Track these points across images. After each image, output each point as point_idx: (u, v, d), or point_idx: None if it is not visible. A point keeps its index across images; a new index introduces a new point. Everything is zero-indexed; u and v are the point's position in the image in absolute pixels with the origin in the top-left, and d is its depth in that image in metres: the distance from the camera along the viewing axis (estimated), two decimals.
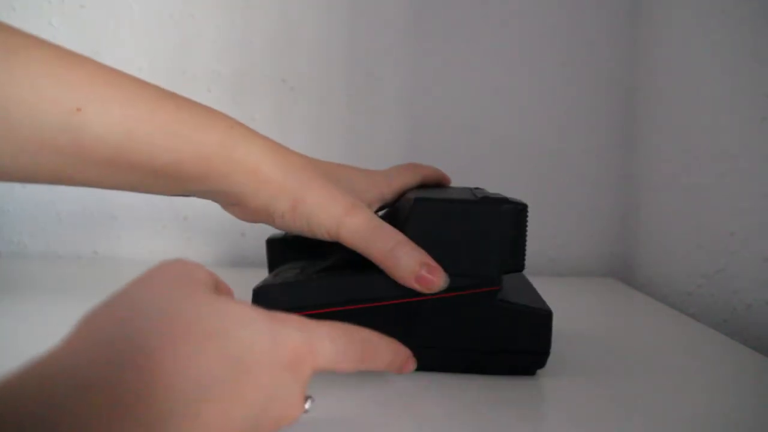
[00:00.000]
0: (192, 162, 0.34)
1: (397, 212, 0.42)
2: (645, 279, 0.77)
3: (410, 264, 0.35)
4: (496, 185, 0.84)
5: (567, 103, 0.82)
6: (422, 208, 0.38)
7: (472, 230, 0.37)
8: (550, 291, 0.75)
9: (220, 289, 0.29)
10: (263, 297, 0.37)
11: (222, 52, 0.81)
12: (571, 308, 0.64)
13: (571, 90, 0.82)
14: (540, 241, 0.82)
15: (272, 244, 0.46)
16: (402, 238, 0.36)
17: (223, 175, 0.35)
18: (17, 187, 0.81)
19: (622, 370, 0.44)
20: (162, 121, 0.33)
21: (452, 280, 0.37)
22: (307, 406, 0.29)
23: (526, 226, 0.40)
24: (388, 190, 0.43)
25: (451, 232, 0.37)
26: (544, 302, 0.41)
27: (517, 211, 0.39)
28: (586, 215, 0.83)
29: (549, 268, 0.83)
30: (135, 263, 0.72)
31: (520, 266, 0.40)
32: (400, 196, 0.45)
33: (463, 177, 0.85)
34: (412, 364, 0.33)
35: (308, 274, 0.39)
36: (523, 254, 0.40)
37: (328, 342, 0.28)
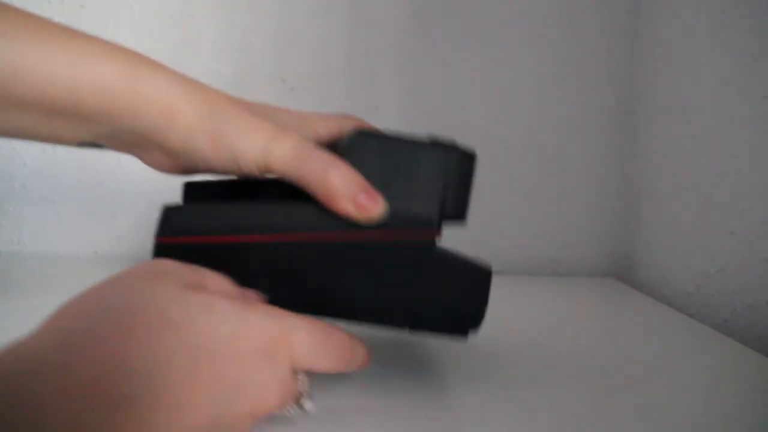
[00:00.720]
0: (92, 96, 0.30)
1: (334, 150, 0.37)
2: (645, 279, 0.77)
3: (347, 186, 0.31)
4: (496, 185, 0.84)
5: (567, 103, 0.82)
6: (364, 142, 0.34)
7: (414, 171, 0.34)
8: (550, 291, 0.75)
9: (205, 285, 0.29)
10: (172, 216, 0.33)
11: (222, 52, 0.81)
12: (571, 308, 0.64)
13: (571, 90, 0.82)
14: (540, 241, 0.82)
15: (191, 189, 0.39)
16: (338, 161, 0.32)
17: (130, 112, 0.31)
18: (17, 187, 0.81)
19: (622, 370, 0.44)
20: (53, 50, 0.30)
21: (390, 219, 0.33)
22: (307, 407, 0.29)
23: (473, 176, 0.37)
24: (325, 131, 0.38)
25: (393, 172, 0.33)
26: (483, 262, 0.37)
27: (466, 158, 0.36)
28: (586, 215, 0.83)
29: (549, 268, 0.83)
30: (135, 263, 0.72)
31: (462, 215, 0.36)
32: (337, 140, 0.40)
33: None
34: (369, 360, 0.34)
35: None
36: (467, 204, 0.36)
37: (305, 334, 0.28)
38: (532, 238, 0.82)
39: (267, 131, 0.33)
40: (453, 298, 0.34)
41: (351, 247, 0.32)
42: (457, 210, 0.35)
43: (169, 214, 0.33)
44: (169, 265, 0.27)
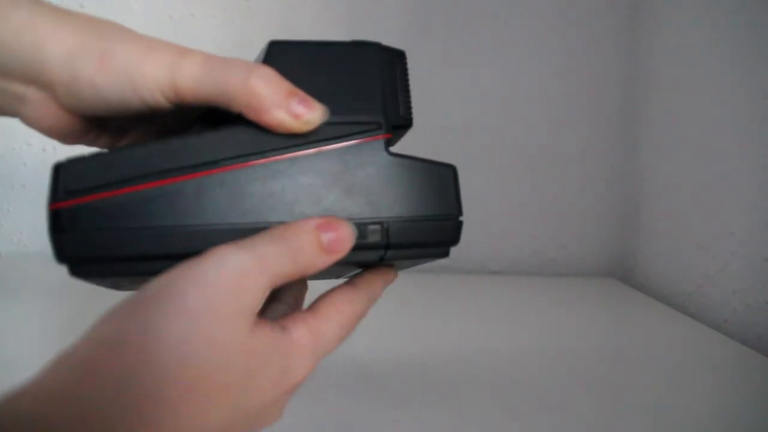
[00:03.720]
0: None
1: None
2: (645, 279, 0.77)
3: (275, 92, 0.26)
4: (496, 185, 0.84)
5: (567, 103, 0.82)
6: (281, 50, 0.29)
7: (346, 73, 0.29)
8: (550, 291, 0.75)
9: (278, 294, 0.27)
10: (67, 173, 0.26)
11: (222, 52, 0.81)
12: (572, 308, 0.64)
13: (571, 90, 0.82)
14: (540, 241, 0.82)
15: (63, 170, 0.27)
16: (260, 65, 0.27)
17: None
18: (17, 187, 0.81)
19: (622, 370, 0.44)
20: None
21: (330, 128, 0.28)
22: None
23: (407, 75, 0.32)
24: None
25: (322, 77, 0.29)
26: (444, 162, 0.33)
27: (397, 55, 0.31)
28: (586, 215, 0.83)
29: (549, 268, 0.83)
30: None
31: (408, 120, 0.31)
32: None
33: (462, 177, 0.85)
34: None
35: None
36: (409, 106, 0.32)
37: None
38: (532, 238, 0.82)
39: (170, 48, 0.27)
40: (422, 200, 0.29)
41: (293, 170, 0.27)
42: (401, 111, 0.31)
43: (62, 171, 0.26)
44: (243, 278, 0.22)
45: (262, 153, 0.27)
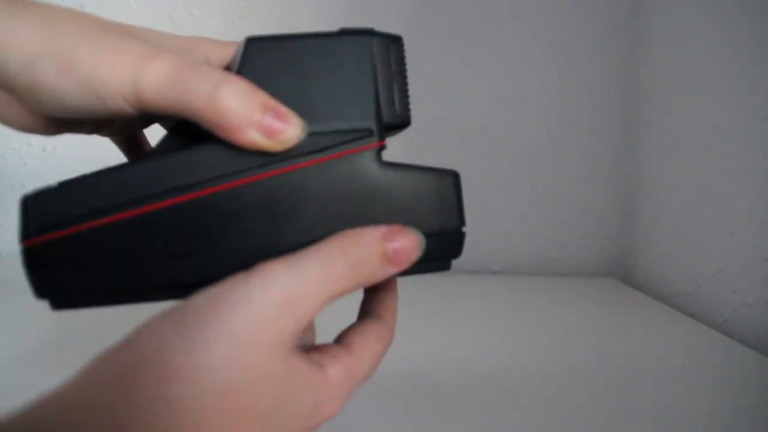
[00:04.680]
0: None
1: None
2: (645, 279, 0.77)
3: (245, 107, 0.23)
4: (496, 185, 0.84)
5: (567, 103, 0.82)
6: (258, 49, 0.26)
7: (333, 70, 0.26)
8: (550, 291, 0.75)
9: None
10: (36, 207, 0.25)
11: None
12: (572, 308, 0.64)
13: (571, 90, 0.82)
14: (540, 241, 0.82)
15: (32, 205, 0.25)
16: (230, 75, 0.24)
17: None
18: (17, 187, 0.81)
19: (622, 370, 0.44)
20: None
21: (314, 139, 0.25)
22: None
23: (405, 65, 0.28)
24: (218, 56, 0.29)
25: (305, 78, 0.26)
26: (444, 168, 0.29)
27: (393, 42, 0.27)
28: (587, 215, 0.83)
29: (549, 268, 0.83)
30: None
31: (405, 118, 0.28)
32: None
33: (463, 177, 0.85)
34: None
35: None
36: (407, 102, 0.28)
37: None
38: (532, 238, 0.82)
39: (134, 52, 0.24)
40: (421, 216, 0.26)
41: (274, 188, 0.25)
42: (396, 109, 0.27)
43: (30, 205, 0.24)
44: (288, 309, 0.21)
45: (238, 173, 0.24)
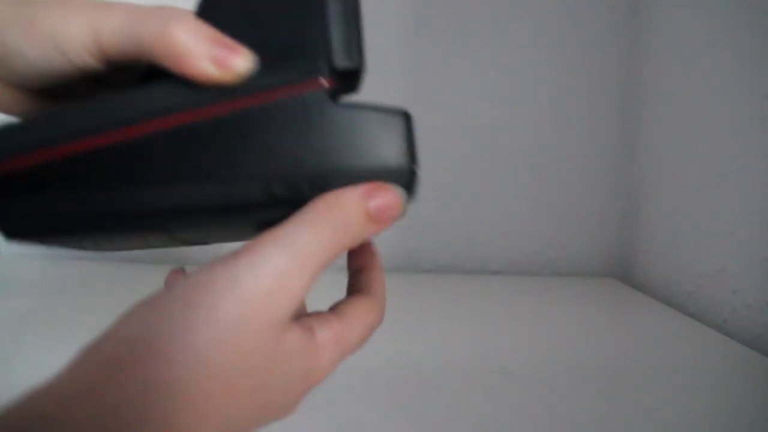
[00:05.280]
0: None
1: None
2: (645, 279, 0.77)
3: (197, 40, 0.24)
4: (496, 185, 0.84)
5: (567, 103, 0.82)
6: None
7: (283, 13, 0.26)
8: (550, 291, 0.75)
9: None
10: None
11: None
12: (572, 308, 0.64)
13: (571, 91, 0.82)
14: (540, 241, 0.82)
15: None
16: (181, 11, 0.25)
17: None
18: None
19: (622, 370, 0.44)
20: None
21: (264, 77, 0.25)
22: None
23: (359, 8, 0.29)
24: None
25: (255, 20, 0.26)
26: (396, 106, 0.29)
27: None
28: (586, 215, 0.83)
29: (549, 268, 0.83)
30: (135, 263, 0.72)
31: (359, 63, 0.28)
32: None
33: (463, 177, 0.85)
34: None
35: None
36: (361, 46, 0.28)
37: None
38: (532, 238, 0.82)
39: (91, 6, 0.26)
40: (371, 154, 0.26)
41: (225, 122, 0.25)
42: (349, 52, 0.27)
43: None
44: (285, 292, 0.22)
45: (188, 108, 0.25)
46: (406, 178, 0.26)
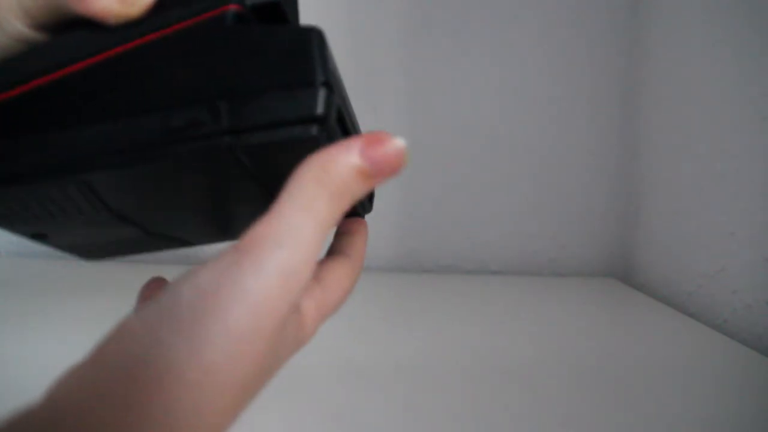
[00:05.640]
0: None
1: None
2: (645, 279, 0.77)
3: None
4: (496, 186, 0.84)
5: (567, 103, 0.82)
6: None
7: None
8: (550, 291, 0.75)
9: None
10: None
11: None
12: (572, 308, 0.64)
13: (572, 91, 0.82)
14: (540, 242, 0.82)
15: None
16: None
17: None
18: None
19: (622, 369, 0.44)
20: None
21: (169, 12, 0.25)
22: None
23: None
24: None
25: None
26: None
27: None
28: (587, 215, 0.83)
29: (549, 268, 0.83)
30: (135, 263, 0.72)
31: None
32: None
33: (463, 177, 0.85)
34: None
35: None
36: None
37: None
38: (532, 238, 0.82)
39: None
40: (271, 75, 0.24)
41: (129, 60, 0.24)
42: None
43: None
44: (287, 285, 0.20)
45: (97, 50, 0.25)
46: (313, 94, 0.24)
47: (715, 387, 0.42)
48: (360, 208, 0.29)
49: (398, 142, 0.22)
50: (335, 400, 0.36)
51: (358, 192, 0.22)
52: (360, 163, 0.21)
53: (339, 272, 0.26)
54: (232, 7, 0.24)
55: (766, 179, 0.55)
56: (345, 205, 0.22)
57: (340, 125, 0.25)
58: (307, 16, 0.90)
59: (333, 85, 0.24)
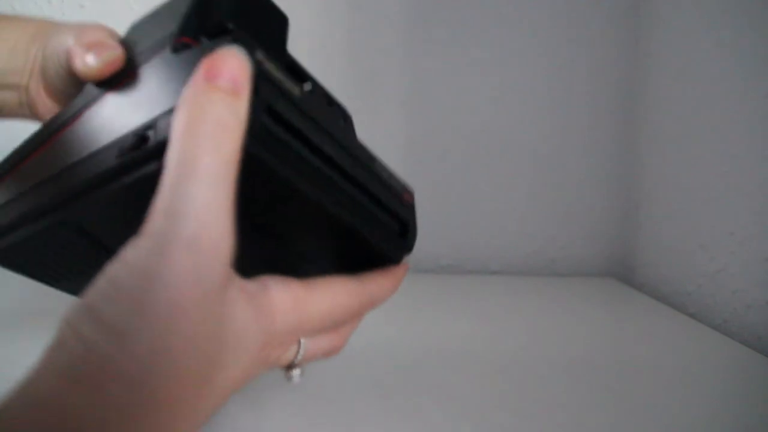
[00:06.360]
0: None
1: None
2: (645, 279, 0.77)
3: (79, 45, 0.31)
4: (496, 186, 0.84)
5: (567, 103, 0.82)
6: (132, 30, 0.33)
7: (165, 8, 0.31)
8: (550, 291, 0.75)
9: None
10: None
11: None
12: (572, 308, 0.64)
13: (571, 91, 0.82)
14: (540, 242, 0.82)
15: None
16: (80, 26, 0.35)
17: None
18: None
19: (622, 370, 0.44)
20: None
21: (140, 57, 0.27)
22: (295, 379, 0.26)
23: None
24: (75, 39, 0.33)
25: (150, 26, 0.31)
26: None
27: None
28: (586, 215, 0.83)
29: (549, 268, 0.83)
30: None
31: (223, 17, 0.27)
32: None
33: (463, 177, 0.85)
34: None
35: None
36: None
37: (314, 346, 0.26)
38: (532, 238, 0.82)
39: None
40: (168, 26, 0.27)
41: (98, 112, 0.26)
42: (220, 10, 0.27)
43: None
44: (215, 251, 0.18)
45: (82, 108, 0.28)
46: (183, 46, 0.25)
47: (715, 387, 0.42)
48: (391, 251, 0.29)
49: (231, 50, 0.19)
50: (335, 400, 0.36)
51: (236, 112, 0.19)
52: (217, 86, 0.19)
53: (336, 283, 0.24)
54: (176, 41, 0.25)
55: (766, 179, 0.55)
56: (236, 132, 0.19)
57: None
58: (307, 17, 0.90)
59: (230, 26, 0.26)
